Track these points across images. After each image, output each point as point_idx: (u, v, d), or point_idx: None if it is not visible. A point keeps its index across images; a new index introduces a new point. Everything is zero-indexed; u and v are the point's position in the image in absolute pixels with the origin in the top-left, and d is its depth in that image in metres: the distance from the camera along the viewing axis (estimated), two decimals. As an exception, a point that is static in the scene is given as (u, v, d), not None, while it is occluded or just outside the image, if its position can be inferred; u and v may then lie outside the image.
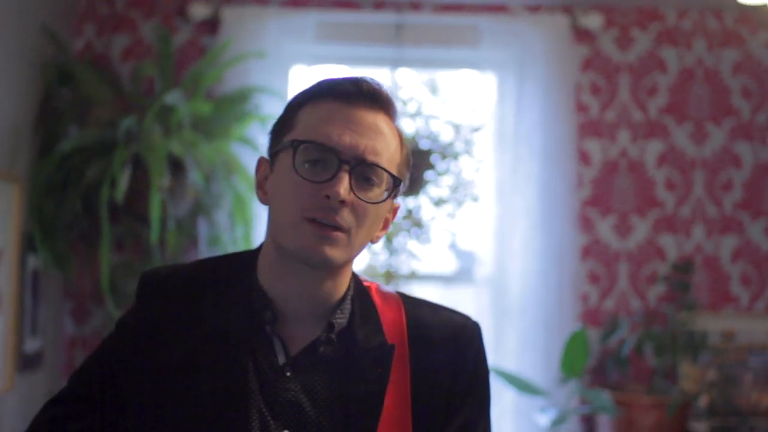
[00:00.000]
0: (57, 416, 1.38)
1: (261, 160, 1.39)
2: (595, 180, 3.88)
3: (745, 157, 3.90)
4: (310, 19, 3.80)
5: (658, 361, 3.69)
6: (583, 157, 3.87)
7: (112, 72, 3.77)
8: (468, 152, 3.69)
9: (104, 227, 3.23)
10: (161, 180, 3.24)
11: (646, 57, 3.92)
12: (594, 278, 3.85)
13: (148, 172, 3.25)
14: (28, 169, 3.36)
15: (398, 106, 1.37)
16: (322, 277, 1.33)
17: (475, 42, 3.84)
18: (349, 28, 3.88)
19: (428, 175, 3.63)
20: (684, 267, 3.81)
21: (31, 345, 3.38)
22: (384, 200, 1.32)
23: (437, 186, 3.65)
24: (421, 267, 3.71)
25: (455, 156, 3.66)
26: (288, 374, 1.32)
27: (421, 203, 3.65)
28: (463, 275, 3.98)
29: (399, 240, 3.64)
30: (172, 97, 3.38)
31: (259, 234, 3.50)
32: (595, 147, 3.89)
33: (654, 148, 3.89)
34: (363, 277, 1.43)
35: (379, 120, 1.32)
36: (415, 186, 3.61)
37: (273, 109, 3.61)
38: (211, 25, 3.82)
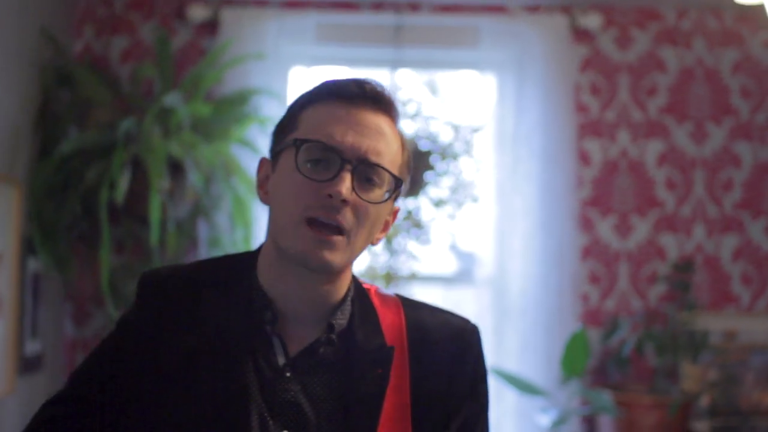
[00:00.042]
0: (57, 416, 1.37)
1: (262, 161, 1.40)
2: (595, 180, 3.88)
3: (745, 157, 3.90)
4: (309, 20, 3.80)
5: (659, 361, 3.69)
6: (583, 158, 3.87)
7: (111, 74, 3.77)
8: (468, 153, 3.69)
9: (104, 229, 3.23)
10: (161, 182, 3.24)
11: (646, 57, 3.92)
12: (594, 278, 3.85)
13: (147, 173, 3.25)
14: (27, 171, 3.36)
15: (399, 107, 1.37)
16: (322, 280, 1.33)
17: (474, 43, 3.83)
18: (349, 30, 3.88)
19: (428, 176, 3.63)
20: (684, 267, 3.80)
21: (32, 348, 3.37)
22: (385, 201, 1.32)
23: (437, 187, 3.65)
24: (422, 268, 3.71)
25: (455, 157, 3.66)
26: (288, 375, 1.32)
27: (421, 204, 3.65)
28: (463, 276, 3.97)
29: (399, 241, 3.64)
30: (172, 99, 3.38)
31: (259, 236, 3.50)
32: (595, 147, 3.88)
33: (654, 148, 3.89)
34: (362, 279, 1.44)
35: (382, 122, 1.33)
36: (415, 187, 3.61)
37: (272, 110, 3.62)
38: (211, 26, 3.82)
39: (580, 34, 3.89)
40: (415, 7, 3.88)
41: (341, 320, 1.35)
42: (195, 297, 1.35)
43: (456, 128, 3.69)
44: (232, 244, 3.50)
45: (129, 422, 1.34)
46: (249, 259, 1.40)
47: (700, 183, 3.88)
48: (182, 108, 3.39)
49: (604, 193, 3.88)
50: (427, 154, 3.65)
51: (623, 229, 3.87)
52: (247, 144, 3.57)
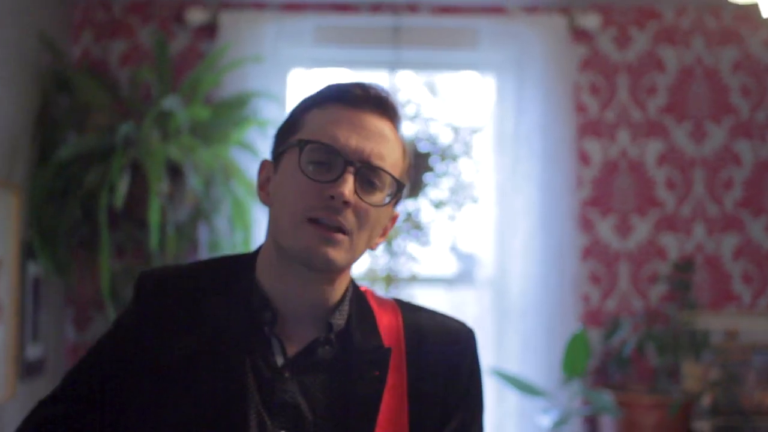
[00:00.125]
0: (51, 416, 1.37)
1: (264, 162, 1.40)
2: (595, 180, 3.87)
3: (745, 156, 3.89)
4: (307, 22, 3.80)
5: (660, 361, 3.69)
6: (583, 158, 3.87)
7: (110, 78, 3.77)
8: (467, 154, 3.69)
9: (103, 233, 3.23)
10: (160, 185, 3.24)
11: (645, 56, 3.91)
12: (595, 279, 3.85)
13: (146, 177, 3.25)
14: (27, 176, 3.36)
15: (401, 113, 1.38)
16: (322, 280, 1.34)
17: (473, 44, 3.83)
18: (347, 31, 3.88)
19: (428, 177, 3.63)
20: (685, 266, 3.80)
21: (33, 352, 3.38)
22: (386, 204, 1.33)
23: (437, 188, 3.65)
24: (422, 270, 3.71)
25: (454, 158, 3.66)
26: (286, 375, 1.32)
27: (421, 206, 3.65)
28: (463, 277, 3.97)
29: (399, 243, 3.64)
30: (170, 103, 3.38)
31: (258, 239, 3.50)
32: (594, 147, 3.88)
33: (654, 148, 3.88)
34: (359, 282, 1.44)
35: (385, 126, 1.34)
36: (415, 188, 3.61)
37: (272, 113, 3.62)
38: (209, 30, 3.82)
39: (579, 34, 3.89)
40: (413, 9, 3.88)
41: (339, 321, 1.36)
42: (193, 297, 1.36)
43: (455, 129, 3.69)
44: (232, 247, 3.50)
45: (126, 422, 1.34)
46: (247, 260, 1.41)
47: (700, 182, 3.88)
48: (181, 111, 3.39)
49: (604, 193, 3.87)
50: (427, 155, 3.65)
51: (623, 229, 3.86)
52: (247, 147, 3.57)
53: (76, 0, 3.82)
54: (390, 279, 3.64)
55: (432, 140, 3.66)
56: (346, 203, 1.28)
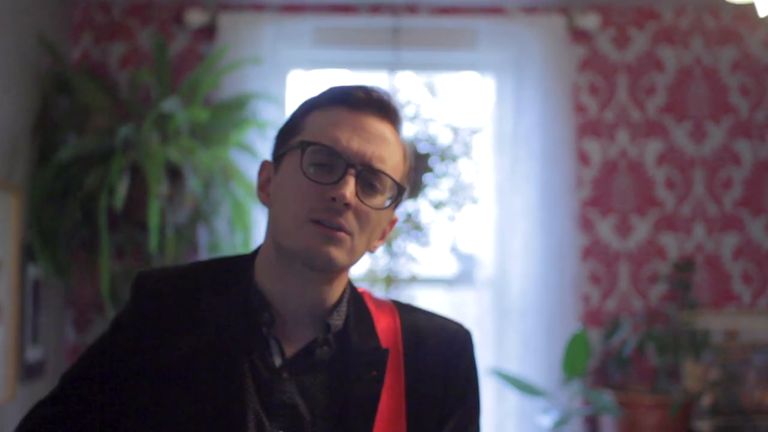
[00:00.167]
0: (55, 416, 1.37)
1: (264, 163, 1.41)
2: (594, 180, 3.88)
3: (745, 155, 3.89)
4: (306, 24, 3.80)
5: (660, 361, 3.69)
6: (583, 158, 3.87)
7: (109, 80, 3.78)
8: (467, 154, 3.69)
9: (103, 235, 3.23)
10: (159, 187, 3.24)
11: (644, 56, 3.92)
12: (595, 279, 3.85)
13: (146, 179, 3.25)
14: (26, 178, 3.37)
15: (403, 117, 1.39)
16: (322, 280, 1.34)
17: (472, 44, 3.83)
18: (346, 33, 3.88)
19: (427, 178, 3.63)
20: (685, 266, 3.80)
21: (33, 354, 3.38)
22: (386, 207, 1.34)
23: (437, 189, 3.65)
24: (422, 270, 3.71)
25: (454, 158, 3.66)
26: (284, 375, 1.33)
27: (421, 206, 3.66)
28: (463, 278, 3.97)
29: (399, 244, 3.64)
30: (170, 105, 3.39)
31: (258, 240, 3.50)
32: (594, 147, 3.88)
33: (653, 148, 3.88)
34: (356, 283, 1.45)
35: (387, 130, 1.35)
36: (415, 189, 3.61)
37: (271, 114, 3.62)
38: (208, 31, 3.82)
39: (578, 35, 3.89)
40: (412, 10, 3.89)
41: (337, 321, 1.37)
42: (191, 298, 1.36)
43: (455, 130, 3.69)
44: (232, 249, 3.50)
45: (124, 423, 1.34)
46: (245, 261, 1.41)
47: (700, 182, 3.88)
48: (180, 113, 3.39)
49: (604, 193, 3.87)
50: (426, 156, 3.66)
51: (623, 229, 3.86)
52: (246, 148, 3.57)
53: (76, 2, 3.83)
54: (390, 280, 3.64)
55: (431, 141, 3.66)
56: (347, 205, 1.28)
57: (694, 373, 3.63)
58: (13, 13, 3.25)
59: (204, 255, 3.61)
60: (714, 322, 3.79)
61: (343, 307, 1.38)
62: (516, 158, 3.78)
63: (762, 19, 3.65)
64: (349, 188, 1.28)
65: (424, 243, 3.67)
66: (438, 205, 3.66)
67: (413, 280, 3.67)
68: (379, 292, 3.57)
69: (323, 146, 1.30)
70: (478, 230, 3.89)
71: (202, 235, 3.61)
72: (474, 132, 3.71)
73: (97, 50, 3.85)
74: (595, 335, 3.78)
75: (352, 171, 1.29)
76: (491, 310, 3.81)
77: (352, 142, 1.31)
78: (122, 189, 3.23)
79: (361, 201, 1.30)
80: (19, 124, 3.32)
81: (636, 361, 3.78)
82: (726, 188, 3.88)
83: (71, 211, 3.37)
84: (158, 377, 1.32)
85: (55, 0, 3.67)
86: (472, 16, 3.87)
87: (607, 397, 3.44)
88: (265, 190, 1.39)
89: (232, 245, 3.51)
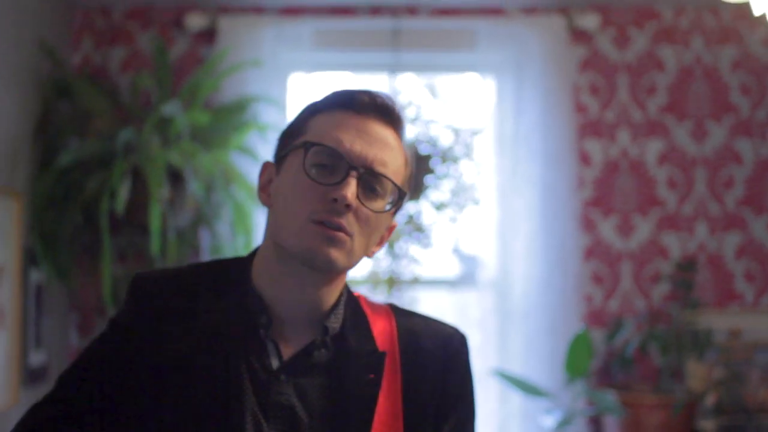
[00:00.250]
0: (53, 417, 1.36)
1: (266, 164, 1.41)
2: (596, 180, 3.87)
3: (746, 154, 3.89)
4: (306, 26, 3.81)
5: (663, 361, 3.68)
6: (584, 158, 3.87)
7: (110, 84, 3.78)
8: (468, 156, 3.69)
9: (105, 239, 3.24)
10: (161, 191, 3.25)
11: (644, 56, 3.91)
12: (597, 279, 3.84)
13: (147, 183, 3.26)
14: (28, 182, 3.37)
15: (405, 124, 1.40)
16: (320, 282, 1.35)
17: (472, 45, 3.83)
18: (346, 35, 3.88)
19: (428, 179, 3.63)
20: (687, 265, 3.80)
21: (36, 358, 3.38)
22: (386, 211, 1.35)
23: (438, 190, 3.65)
24: (424, 272, 3.71)
25: (455, 160, 3.66)
26: (282, 377, 1.33)
27: (422, 208, 3.66)
28: (466, 279, 3.97)
29: (401, 245, 3.64)
30: (170, 108, 3.39)
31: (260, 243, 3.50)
32: (595, 147, 3.88)
33: (654, 147, 3.88)
34: (356, 287, 1.45)
35: (389, 135, 1.36)
36: (416, 191, 3.61)
37: (271, 117, 3.62)
38: (208, 35, 3.83)
39: (578, 35, 3.89)
40: (412, 11, 3.89)
41: (335, 324, 1.37)
42: (188, 299, 1.36)
43: (456, 131, 3.69)
44: (234, 252, 3.50)
45: (122, 424, 1.34)
46: (243, 263, 1.41)
47: (702, 181, 3.87)
48: (181, 117, 3.40)
49: (606, 194, 3.87)
50: (428, 157, 3.66)
51: (625, 228, 3.86)
52: (247, 151, 3.57)
53: (76, 7, 3.83)
54: (392, 281, 3.64)
55: (433, 142, 3.66)
56: (348, 206, 1.28)
57: (697, 373, 3.62)
58: (14, 19, 3.26)
59: (206, 258, 3.60)
60: (717, 322, 3.78)
61: (341, 310, 1.39)
62: (517, 159, 3.77)
63: (761, 17, 3.65)
64: (351, 189, 1.28)
65: (426, 245, 3.67)
66: (440, 207, 3.66)
67: (416, 281, 3.67)
68: (381, 294, 3.59)
69: (326, 147, 1.31)
70: (479, 231, 3.89)
71: (204, 238, 3.62)
72: (475, 133, 3.71)
73: (98, 55, 3.85)
74: (597, 335, 3.77)
75: (354, 173, 1.30)
76: (494, 311, 3.81)
77: (355, 144, 1.31)
78: (123, 193, 3.23)
79: (362, 203, 1.31)
80: (20, 129, 3.32)
81: (639, 361, 3.77)
82: (728, 187, 3.88)
83: (73, 215, 3.37)
84: (156, 378, 1.32)
85: (56, 5, 3.68)
86: (471, 17, 3.87)
87: (611, 397, 3.43)
88: (266, 190, 1.39)
89: (233, 248, 3.51)
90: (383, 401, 1.34)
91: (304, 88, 3.90)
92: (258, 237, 3.54)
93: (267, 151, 3.06)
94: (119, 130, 3.39)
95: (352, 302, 1.42)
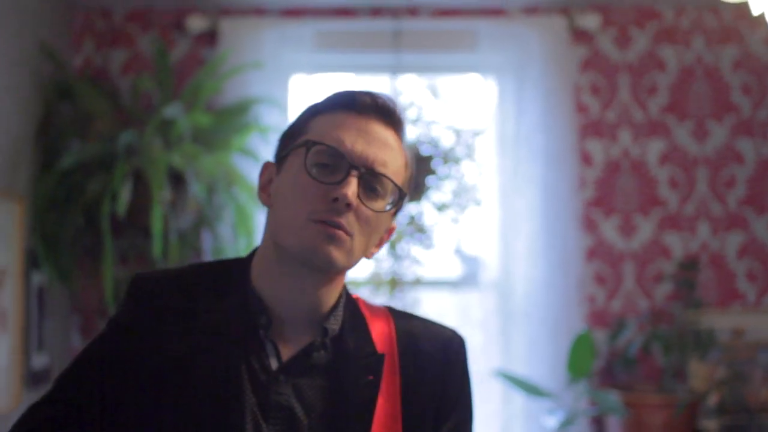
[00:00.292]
0: (52, 417, 1.36)
1: (266, 164, 1.41)
2: (597, 180, 3.87)
3: (748, 154, 3.89)
4: (307, 28, 3.81)
5: (666, 361, 3.68)
6: (585, 158, 3.87)
7: (111, 86, 3.78)
8: (469, 156, 3.69)
9: (107, 241, 3.24)
10: (162, 193, 3.25)
11: (645, 56, 3.91)
12: (600, 279, 3.84)
13: (149, 185, 3.26)
14: (29, 185, 3.37)
15: (406, 126, 1.40)
16: (320, 282, 1.35)
17: (473, 46, 3.83)
18: (347, 36, 3.88)
19: (430, 180, 3.63)
20: (690, 265, 3.79)
21: (39, 361, 3.38)
22: (387, 211, 1.35)
23: (439, 191, 3.65)
24: (426, 273, 3.71)
25: (457, 160, 3.66)
26: (281, 378, 1.33)
27: (424, 209, 3.65)
28: (468, 280, 3.97)
29: (403, 246, 3.64)
30: (172, 110, 3.39)
31: (262, 244, 3.50)
32: (596, 147, 3.88)
33: (656, 147, 3.88)
34: (356, 288, 1.45)
35: (390, 136, 1.36)
36: (418, 192, 3.61)
37: (273, 119, 3.62)
38: (209, 37, 3.83)
39: (579, 35, 3.89)
40: (413, 12, 3.89)
41: (334, 325, 1.37)
42: (188, 300, 1.36)
43: (457, 132, 3.69)
44: (236, 254, 3.50)
45: (121, 425, 1.33)
46: (242, 263, 1.41)
47: (703, 181, 3.87)
48: (182, 119, 3.40)
49: (607, 194, 3.87)
50: (429, 158, 3.65)
51: (627, 229, 3.86)
52: (249, 153, 3.58)
53: (77, 9, 3.83)
54: (394, 282, 3.64)
55: (434, 143, 3.66)
56: (349, 205, 1.29)
57: (700, 373, 3.62)
58: (15, 21, 3.26)
59: (208, 260, 3.60)
60: (719, 321, 3.78)
61: (340, 312, 1.39)
62: (518, 159, 3.77)
63: (762, 17, 3.65)
64: (351, 189, 1.29)
65: (428, 245, 3.66)
66: (441, 208, 3.66)
67: (417, 282, 3.66)
68: (383, 295, 3.58)
69: (327, 146, 1.31)
70: (481, 232, 3.88)
71: (206, 240, 3.62)
72: (476, 134, 3.71)
73: (99, 57, 3.86)
74: (600, 336, 3.77)
75: (355, 173, 1.30)
76: (496, 311, 3.81)
77: (357, 144, 1.32)
78: (125, 195, 3.24)
79: (363, 203, 1.31)
80: (21, 131, 3.32)
81: (642, 361, 3.77)
82: (729, 187, 3.87)
83: (74, 218, 3.37)
84: (155, 379, 1.31)
85: (56, 7, 3.68)
86: (472, 17, 3.87)
87: (613, 398, 3.43)
88: (266, 190, 1.40)
89: (235, 250, 3.51)
90: (382, 403, 1.34)
91: (305, 90, 3.90)
92: (260, 238, 3.53)
93: (268, 153, 3.06)
94: (120, 133, 3.39)
95: (350, 304, 1.42)
